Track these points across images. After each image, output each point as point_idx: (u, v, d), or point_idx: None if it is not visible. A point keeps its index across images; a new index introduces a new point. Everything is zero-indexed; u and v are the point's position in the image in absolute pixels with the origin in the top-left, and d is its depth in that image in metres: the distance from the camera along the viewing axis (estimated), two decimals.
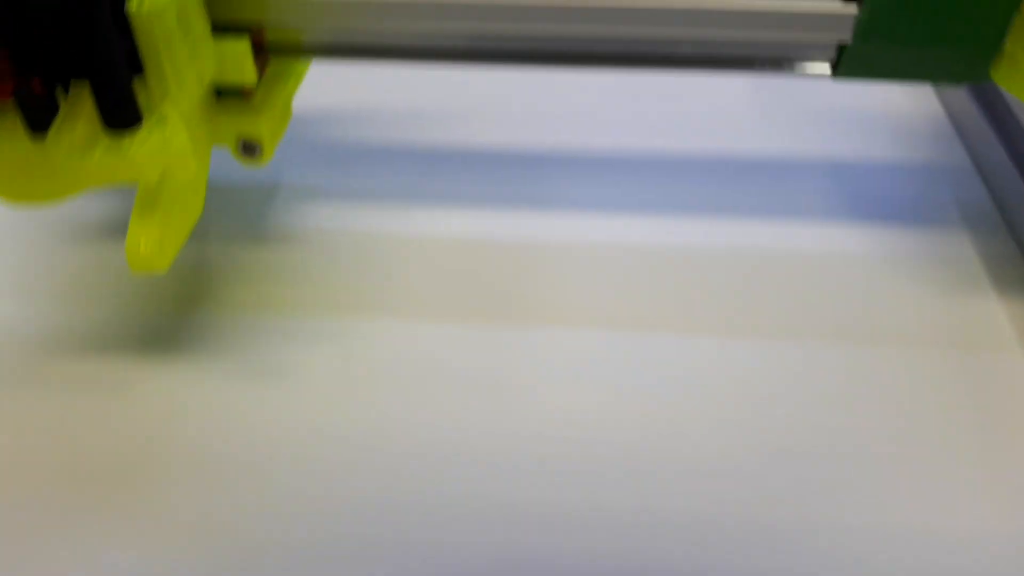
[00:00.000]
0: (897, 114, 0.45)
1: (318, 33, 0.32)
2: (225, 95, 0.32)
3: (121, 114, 0.26)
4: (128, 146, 0.26)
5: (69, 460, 0.29)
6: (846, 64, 0.30)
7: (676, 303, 0.34)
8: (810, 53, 0.31)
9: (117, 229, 0.38)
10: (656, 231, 0.38)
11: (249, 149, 0.32)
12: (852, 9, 0.29)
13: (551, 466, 0.29)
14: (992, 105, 0.41)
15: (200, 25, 0.29)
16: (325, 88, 0.41)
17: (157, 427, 0.30)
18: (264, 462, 0.29)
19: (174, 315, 0.34)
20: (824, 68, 0.31)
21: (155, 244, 0.28)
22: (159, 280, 0.35)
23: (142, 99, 0.26)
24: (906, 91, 0.46)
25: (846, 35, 0.29)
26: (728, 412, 0.30)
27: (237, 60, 0.30)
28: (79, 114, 0.26)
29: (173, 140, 0.27)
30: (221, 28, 0.30)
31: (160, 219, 0.28)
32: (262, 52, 0.31)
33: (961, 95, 0.44)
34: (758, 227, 0.38)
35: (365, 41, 0.32)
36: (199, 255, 0.36)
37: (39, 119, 0.25)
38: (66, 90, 0.26)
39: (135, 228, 0.28)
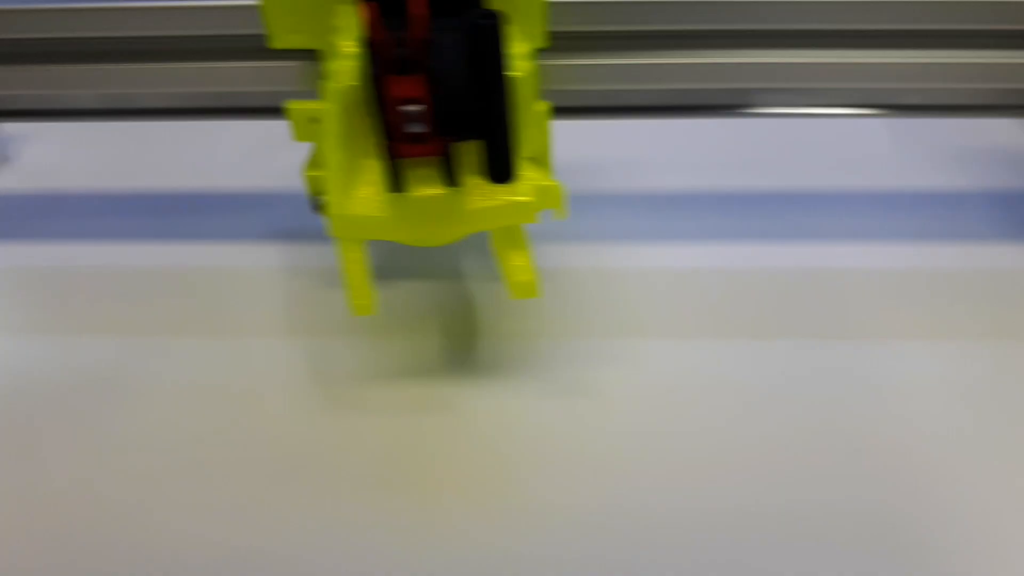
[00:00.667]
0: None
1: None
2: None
3: (507, 168, 0.31)
4: (519, 193, 0.31)
5: (432, 469, 0.35)
6: None
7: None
8: None
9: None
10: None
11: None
12: None
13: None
14: None
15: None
16: None
17: (494, 437, 0.36)
18: (595, 462, 0.34)
19: (468, 345, 0.40)
20: None
21: (533, 274, 0.33)
22: (441, 315, 0.41)
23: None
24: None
25: None
26: None
27: (542, 122, 0.35)
28: (466, 168, 0.31)
29: (556, 188, 0.32)
30: None
31: (529, 254, 0.33)
32: None
33: None
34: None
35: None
36: (469, 292, 0.43)
37: (453, 174, 0.30)
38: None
39: (514, 263, 0.33)
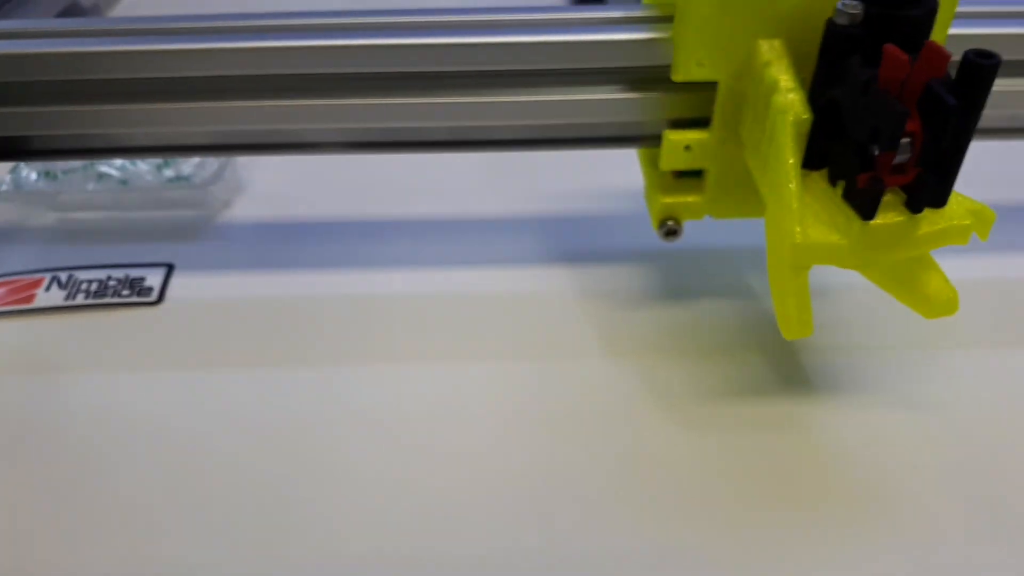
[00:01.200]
0: None
1: None
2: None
3: (947, 194, 0.32)
4: (955, 216, 0.32)
5: (798, 485, 0.36)
6: None
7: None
8: None
9: (650, 298, 0.45)
10: None
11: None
12: None
13: None
14: None
15: None
16: None
17: (852, 452, 0.37)
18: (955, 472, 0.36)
19: (789, 360, 0.41)
20: None
21: (954, 291, 0.34)
22: (749, 331, 0.43)
23: None
24: None
25: None
26: None
27: None
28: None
29: (988, 211, 0.34)
30: None
31: (942, 271, 0.34)
32: None
33: None
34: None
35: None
36: (765, 309, 0.44)
37: (918, 201, 0.32)
38: None
39: (932, 282, 0.34)
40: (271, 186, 0.53)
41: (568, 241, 0.49)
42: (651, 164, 0.41)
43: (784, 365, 0.41)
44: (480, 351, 0.42)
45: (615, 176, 0.49)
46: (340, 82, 0.40)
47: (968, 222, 0.33)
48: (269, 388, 0.40)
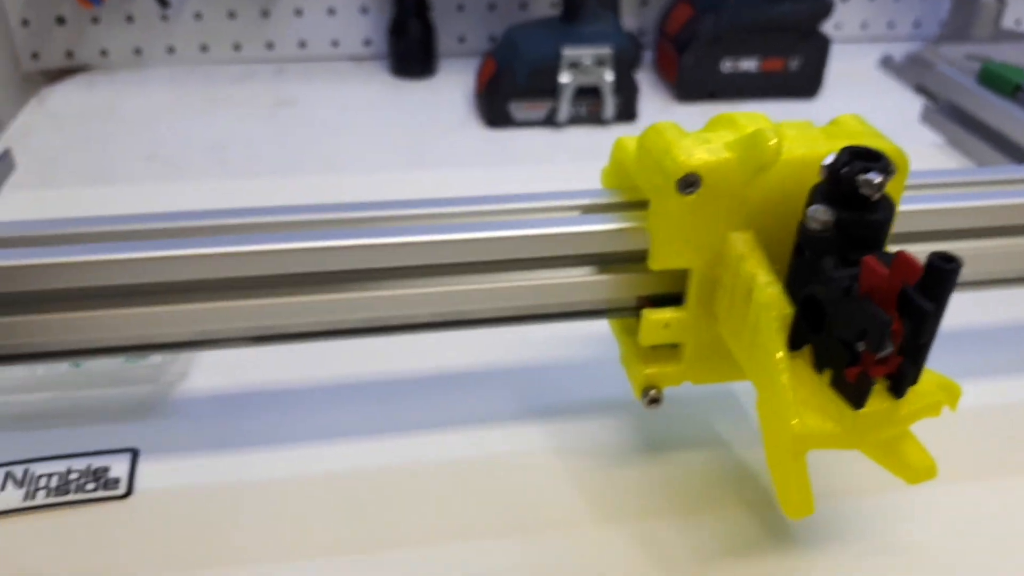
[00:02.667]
0: None
1: None
2: None
3: (919, 374, 0.35)
4: (928, 393, 0.36)
5: None
6: None
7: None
8: None
9: (630, 452, 0.46)
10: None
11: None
12: None
13: None
14: None
15: None
16: None
17: None
18: None
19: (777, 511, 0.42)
20: None
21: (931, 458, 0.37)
22: (730, 484, 0.45)
23: None
24: None
25: None
26: None
27: None
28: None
29: (955, 385, 0.37)
30: None
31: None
32: None
33: None
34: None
35: None
36: (742, 458, 0.46)
37: (902, 386, 0.35)
38: None
39: (911, 452, 0.37)
40: (226, 355, 0.52)
41: (537, 394, 0.50)
42: (625, 332, 0.43)
43: (770, 516, 0.43)
44: (461, 528, 0.42)
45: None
46: (320, 277, 0.40)
47: (940, 397, 0.36)
48: None
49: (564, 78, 0.91)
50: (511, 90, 0.93)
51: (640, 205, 0.40)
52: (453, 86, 1.03)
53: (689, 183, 0.36)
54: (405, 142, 0.93)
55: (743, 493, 0.44)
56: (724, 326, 0.39)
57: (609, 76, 0.92)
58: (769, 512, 0.43)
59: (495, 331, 0.50)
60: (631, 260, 0.40)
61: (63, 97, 1.00)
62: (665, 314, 0.40)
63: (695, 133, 0.38)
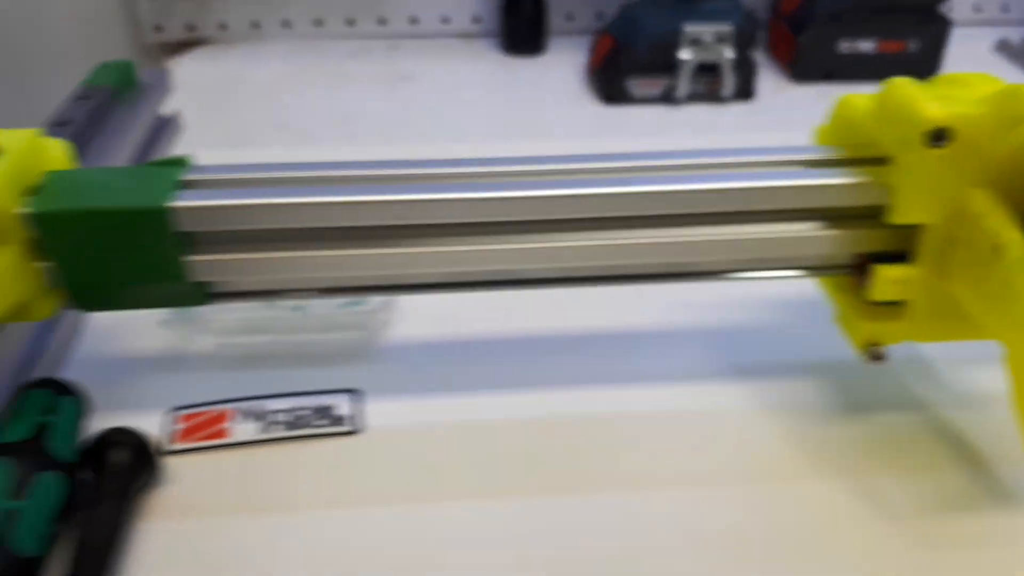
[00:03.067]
0: None
1: None
2: None
3: None
4: None
5: None
6: None
7: None
8: None
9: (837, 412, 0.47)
10: None
11: None
12: None
13: None
14: None
15: None
16: None
17: None
18: None
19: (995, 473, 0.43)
20: None
21: None
22: (944, 444, 0.45)
23: None
24: None
25: None
26: None
27: None
28: None
29: None
30: None
31: None
32: None
33: None
34: None
35: None
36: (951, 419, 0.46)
37: None
38: None
39: None
40: (426, 305, 0.54)
41: (738, 354, 0.51)
42: (841, 291, 0.44)
43: (985, 476, 0.44)
44: (678, 475, 0.44)
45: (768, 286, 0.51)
46: (541, 224, 0.41)
47: None
48: (493, 521, 0.41)
49: (684, 55, 0.92)
50: (630, 66, 0.93)
51: (873, 161, 0.41)
52: (563, 63, 1.05)
53: (940, 136, 0.37)
54: (522, 118, 0.94)
55: (955, 453, 0.45)
56: (959, 283, 0.40)
57: (729, 54, 0.92)
58: (984, 472, 0.44)
59: (694, 290, 0.51)
60: (860, 216, 0.41)
61: (190, 68, 1.02)
62: (897, 270, 0.41)
63: (936, 89, 0.39)
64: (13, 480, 0.36)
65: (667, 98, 0.95)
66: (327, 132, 0.90)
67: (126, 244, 0.36)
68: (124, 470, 0.39)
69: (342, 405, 0.46)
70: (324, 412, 0.45)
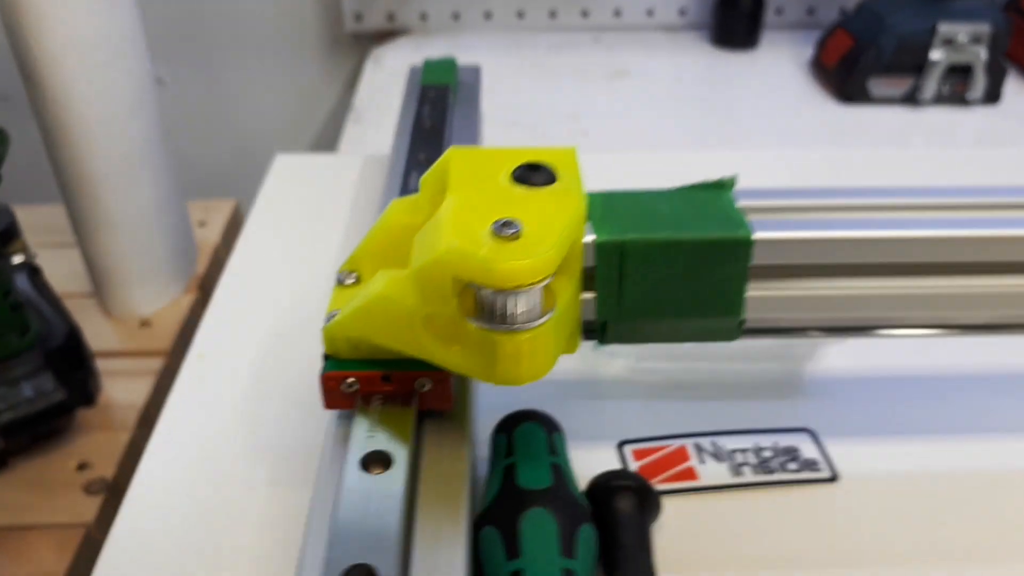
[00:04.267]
0: None
1: None
2: None
3: None
4: None
5: None
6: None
7: None
8: None
9: None
10: None
11: None
12: None
13: None
14: None
15: None
16: None
17: None
18: None
19: None
20: None
21: None
22: None
23: None
24: None
25: None
26: None
27: None
28: None
29: None
30: None
31: None
32: None
33: None
34: None
35: None
36: None
37: None
38: None
39: None
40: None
41: None
42: None
43: None
44: None
45: None
46: None
47: None
48: None
49: (936, 55, 0.88)
50: (873, 65, 0.89)
51: None
52: (780, 59, 1.00)
53: None
54: (755, 115, 0.90)
55: None
56: None
57: (983, 55, 0.88)
58: None
59: None
60: None
61: (396, 58, 0.99)
62: None
63: None
64: (560, 536, 0.33)
65: (910, 99, 0.90)
66: (560, 129, 0.87)
67: (696, 276, 0.33)
68: (636, 519, 0.36)
69: (805, 446, 0.42)
70: (790, 454, 0.42)
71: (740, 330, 0.35)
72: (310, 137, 1.12)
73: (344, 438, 0.34)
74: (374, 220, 0.37)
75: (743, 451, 0.41)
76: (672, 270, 0.32)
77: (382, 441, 0.32)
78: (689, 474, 0.40)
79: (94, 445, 0.53)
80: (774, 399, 0.45)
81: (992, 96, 0.90)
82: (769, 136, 0.86)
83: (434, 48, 1.01)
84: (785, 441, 0.42)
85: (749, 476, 0.40)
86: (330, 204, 0.61)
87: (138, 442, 0.54)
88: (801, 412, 0.44)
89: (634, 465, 0.41)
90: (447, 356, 0.32)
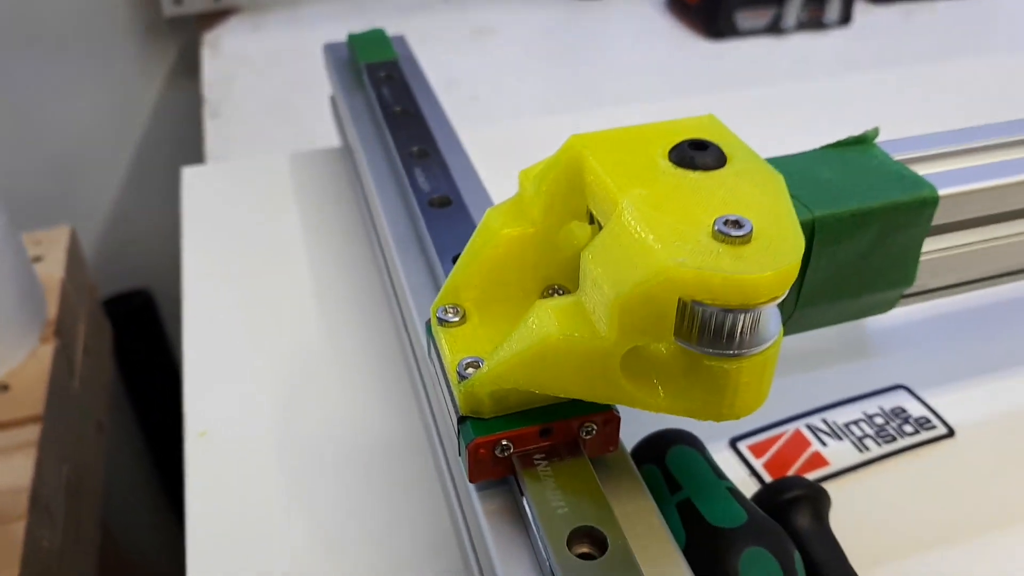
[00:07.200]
0: None
1: None
2: None
3: None
4: None
5: None
6: None
7: None
8: None
9: None
10: None
11: None
12: None
13: None
14: None
15: None
16: None
17: None
18: None
19: None
20: None
21: None
22: None
23: None
24: None
25: None
26: None
27: None
28: None
29: None
30: None
31: None
32: None
33: None
34: None
35: None
36: None
37: None
38: None
39: None
40: None
41: None
42: None
43: None
44: None
45: None
46: None
47: None
48: None
49: None
50: None
51: None
52: (632, 3, 0.98)
53: None
54: (630, 62, 0.88)
55: None
56: None
57: None
58: None
59: None
60: None
61: (235, 42, 0.87)
62: None
63: None
64: (784, 572, 0.28)
65: (773, 28, 0.91)
66: (446, 98, 0.80)
67: (880, 247, 0.28)
68: (823, 527, 0.32)
69: (909, 404, 0.39)
70: (900, 416, 0.39)
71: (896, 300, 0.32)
72: (134, 140, 0.98)
73: (506, 515, 0.27)
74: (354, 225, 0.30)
75: (856, 423, 0.38)
76: (859, 244, 0.28)
77: (580, 513, 0.26)
78: (819, 460, 0.37)
79: None
80: (849, 361, 0.42)
81: (845, 18, 0.92)
82: (652, 79, 0.84)
83: (274, 26, 0.90)
84: (887, 403, 0.39)
85: (875, 449, 0.37)
86: (273, 214, 0.52)
87: (36, 530, 0.44)
88: (882, 368, 0.41)
89: (757, 463, 0.37)
90: (650, 398, 0.26)
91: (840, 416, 0.39)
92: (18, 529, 0.43)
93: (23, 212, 0.77)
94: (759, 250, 0.23)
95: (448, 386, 0.28)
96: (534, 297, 0.30)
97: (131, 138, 0.97)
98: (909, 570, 0.33)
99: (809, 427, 0.38)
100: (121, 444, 1.04)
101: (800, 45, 0.90)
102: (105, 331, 0.75)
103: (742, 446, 0.37)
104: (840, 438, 0.38)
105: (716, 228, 0.23)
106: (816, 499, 0.32)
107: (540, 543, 0.25)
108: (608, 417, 0.28)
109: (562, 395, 0.27)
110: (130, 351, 0.98)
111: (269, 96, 0.78)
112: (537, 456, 0.28)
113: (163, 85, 0.96)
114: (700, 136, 0.27)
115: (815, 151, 0.31)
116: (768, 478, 0.36)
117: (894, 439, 0.38)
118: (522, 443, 0.27)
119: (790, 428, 0.38)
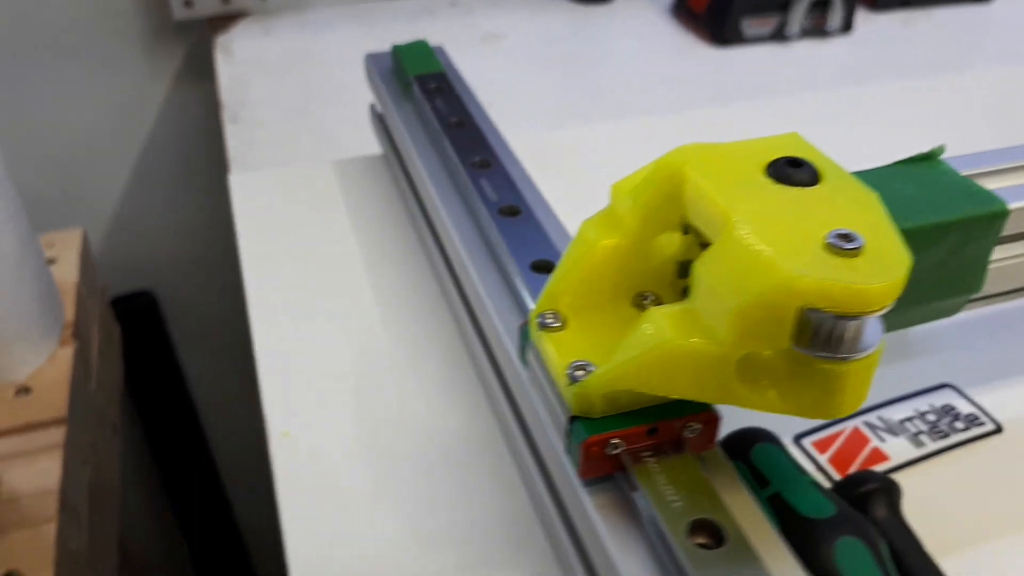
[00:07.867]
0: None
1: None
2: None
3: None
4: None
5: None
6: None
7: None
8: None
9: None
10: None
11: None
12: None
13: None
14: None
15: None
16: None
17: None
18: None
19: None
20: None
21: None
22: None
23: None
24: None
25: None
26: None
27: None
28: None
29: None
30: None
31: None
32: None
33: None
34: None
35: None
36: None
37: None
38: None
39: None
40: None
41: None
42: None
43: None
44: None
45: None
46: None
47: None
48: None
49: None
50: (746, 6, 0.91)
51: None
52: (638, 8, 1.00)
53: None
54: (643, 69, 0.89)
55: None
56: None
57: None
58: None
59: None
60: None
61: (248, 46, 0.87)
62: None
63: None
64: (875, 560, 0.30)
65: (778, 35, 0.93)
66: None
67: (953, 258, 0.30)
68: (899, 519, 0.33)
69: (957, 402, 0.41)
70: (949, 413, 0.41)
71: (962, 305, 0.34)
72: (140, 144, 0.98)
73: (614, 510, 0.29)
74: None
75: (910, 419, 0.40)
76: (936, 254, 0.30)
77: (695, 506, 0.27)
78: (879, 456, 0.38)
79: (18, 548, 0.43)
80: (896, 361, 0.44)
81: (846, 26, 0.95)
82: (664, 85, 0.86)
83: (283, 30, 0.90)
84: (936, 401, 0.41)
85: (929, 444, 0.39)
86: (326, 221, 0.53)
87: (66, 532, 0.44)
88: (927, 369, 0.43)
89: (821, 458, 0.38)
90: (762, 399, 0.27)
91: (894, 413, 0.40)
92: (49, 531, 0.43)
93: (30, 214, 0.77)
94: (870, 262, 0.25)
95: (554, 388, 0.30)
96: (624, 303, 0.32)
97: (137, 140, 0.97)
98: (978, 558, 0.35)
99: (867, 424, 0.40)
100: (124, 445, 1.04)
101: (804, 52, 0.92)
102: (115, 333, 0.75)
103: (806, 443, 0.39)
104: (896, 434, 0.39)
105: (828, 241, 0.25)
106: (891, 491, 0.34)
107: (660, 535, 0.27)
108: (710, 417, 0.29)
109: (674, 396, 0.28)
110: (134, 353, 0.98)
111: (286, 101, 0.78)
112: (645, 453, 0.29)
113: (169, 88, 0.96)
114: (791, 153, 0.29)
115: (888, 167, 0.33)
116: (833, 472, 0.38)
117: (947, 435, 0.40)
118: (631, 441, 0.29)
119: (849, 425, 0.40)
